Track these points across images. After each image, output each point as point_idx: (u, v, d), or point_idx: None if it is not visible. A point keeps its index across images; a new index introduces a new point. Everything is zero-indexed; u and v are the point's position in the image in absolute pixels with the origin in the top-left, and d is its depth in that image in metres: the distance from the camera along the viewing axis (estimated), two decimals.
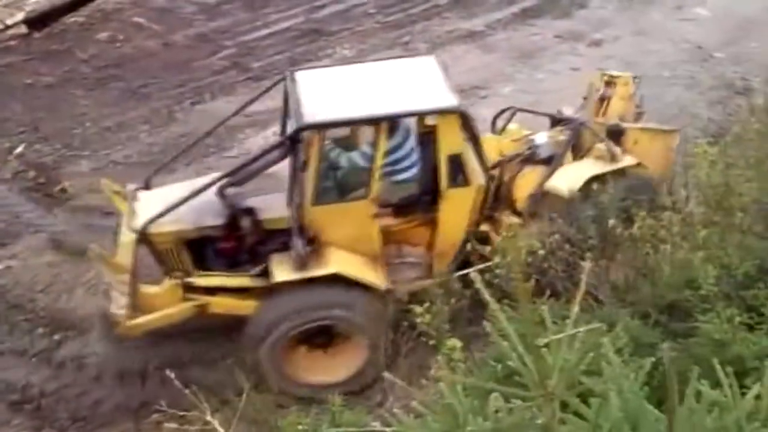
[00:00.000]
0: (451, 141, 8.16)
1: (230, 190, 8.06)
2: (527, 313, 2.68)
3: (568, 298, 6.29)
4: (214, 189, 7.98)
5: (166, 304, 8.10)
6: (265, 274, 8.06)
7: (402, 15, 17.12)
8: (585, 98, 10.24)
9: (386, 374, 4.32)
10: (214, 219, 8.14)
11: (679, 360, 5.09)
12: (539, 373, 2.67)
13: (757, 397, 3.09)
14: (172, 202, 7.89)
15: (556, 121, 9.81)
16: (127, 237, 8.07)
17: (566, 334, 2.69)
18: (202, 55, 15.81)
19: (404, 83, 8.49)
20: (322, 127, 7.84)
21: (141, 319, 7.92)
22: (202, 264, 8.33)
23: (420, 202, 8.64)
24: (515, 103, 12.06)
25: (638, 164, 8.84)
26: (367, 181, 8.05)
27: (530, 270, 7.13)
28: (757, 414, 3.10)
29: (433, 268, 8.61)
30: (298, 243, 7.81)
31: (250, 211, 8.20)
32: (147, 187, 8.73)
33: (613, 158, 8.75)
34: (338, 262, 7.96)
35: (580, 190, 8.36)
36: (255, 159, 8.15)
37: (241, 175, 8.08)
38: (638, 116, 9.84)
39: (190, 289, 8.18)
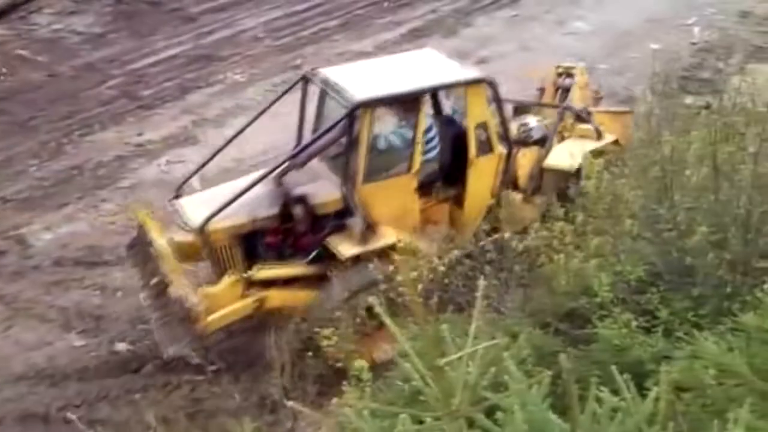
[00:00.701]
0: (479, 111, 8.85)
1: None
2: (426, 332, 2.69)
3: (471, 312, 6.33)
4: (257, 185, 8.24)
5: (227, 302, 8.06)
6: (319, 260, 8.39)
7: (292, 38, 17.14)
8: (540, 89, 11.15)
9: (291, 403, 4.26)
10: (267, 210, 8.36)
11: (582, 366, 5.20)
12: (443, 391, 2.68)
13: (656, 400, 3.15)
14: (225, 199, 8.04)
15: (518, 109, 10.54)
16: (175, 242, 8.41)
17: (465, 351, 2.70)
18: (90, 86, 15.48)
19: (425, 66, 9.16)
20: (374, 103, 8.31)
21: (216, 315, 7.89)
22: (252, 260, 8.44)
23: (442, 179, 9.23)
24: None
25: (615, 141, 9.91)
26: (409, 157, 8.58)
27: (432, 286, 7.19)
28: (656, 416, 3.16)
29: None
30: (358, 218, 8.29)
31: (301, 199, 8.42)
32: (177, 197, 8.86)
33: (599, 136, 9.90)
34: (394, 234, 8.37)
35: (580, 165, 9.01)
36: (313, 141, 8.53)
37: (300, 158, 8.54)
38: (597, 101, 11.16)
39: (249, 284, 8.21)
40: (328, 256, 8.38)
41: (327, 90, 8.86)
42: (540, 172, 9.67)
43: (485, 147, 9.04)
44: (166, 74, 15.88)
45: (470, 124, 8.84)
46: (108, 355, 8.98)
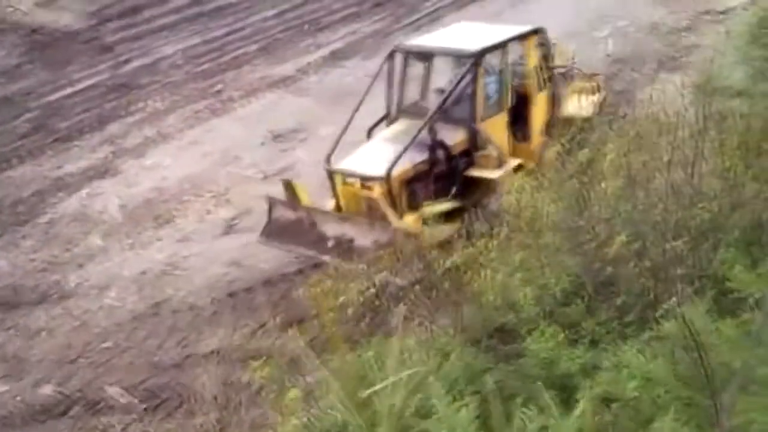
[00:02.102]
0: (534, 56, 10.99)
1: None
2: (349, 362, 2.67)
3: (404, 333, 6.34)
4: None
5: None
6: (463, 194, 9.89)
7: (211, 64, 17.02)
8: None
9: None
10: (421, 156, 9.85)
11: (512, 382, 5.23)
12: (367, 422, 2.66)
13: (581, 414, 3.19)
14: (399, 149, 9.54)
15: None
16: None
17: (387, 381, 2.69)
18: (6, 119, 15.15)
19: (485, 28, 11.56)
20: (488, 51, 10.34)
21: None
22: (411, 202, 9.77)
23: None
24: (331, 143, 12.24)
25: (605, 97, 12.26)
26: (502, 98, 10.63)
27: (362, 309, 7.17)
28: (583, 430, 3.20)
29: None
30: (491, 148, 10.23)
31: (441, 143, 9.96)
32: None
33: (598, 90, 12.12)
34: (515, 159, 10.45)
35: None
36: (448, 94, 10.09)
37: (446, 107, 10.05)
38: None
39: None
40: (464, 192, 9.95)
41: (429, 53, 10.90)
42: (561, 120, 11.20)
43: (541, 85, 11.16)
44: (84, 105, 15.61)
45: (530, 66, 10.97)
46: (33, 398, 8.71)
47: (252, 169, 13.12)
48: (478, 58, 10.07)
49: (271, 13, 19.20)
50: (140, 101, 15.71)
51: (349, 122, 10.44)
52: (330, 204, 10.24)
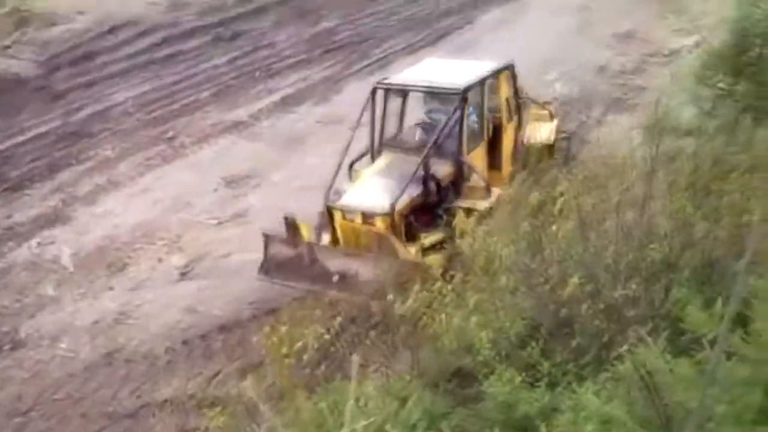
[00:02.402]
0: (505, 88, 11.69)
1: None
2: (303, 412, 2.64)
3: (361, 378, 6.30)
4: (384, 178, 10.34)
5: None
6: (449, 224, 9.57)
7: (163, 111, 16.95)
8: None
9: None
10: (416, 189, 10.19)
11: (472, 426, 5.21)
12: None
13: None
14: (397, 184, 9.96)
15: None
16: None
17: (344, 431, 2.66)
18: None
19: (461, 64, 12.30)
20: (473, 86, 10.82)
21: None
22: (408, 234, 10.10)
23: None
24: (285, 189, 12.32)
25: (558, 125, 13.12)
26: (481, 130, 11.22)
27: (319, 355, 7.15)
28: None
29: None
30: (477, 178, 10.84)
31: (432, 176, 10.31)
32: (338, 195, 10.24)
33: (552, 118, 13.01)
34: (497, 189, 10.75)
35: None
36: (442, 129, 10.47)
37: (439, 142, 10.42)
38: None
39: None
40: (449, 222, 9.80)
41: (413, 90, 11.39)
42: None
43: (510, 116, 11.89)
44: (35, 153, 15.41)
45: (502, 98, 11.57)
46: None
47: (204, 215, 13.03)
48: (465, 93, 10.53)
49: (222, 60, 19.21)
50: (91, 149, 15.56)
51: (340, 164, 10.66)
52: (325, 239, 10.35)
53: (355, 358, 2.97)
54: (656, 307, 5.56)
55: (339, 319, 7.64)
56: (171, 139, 15.72)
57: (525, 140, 12.31)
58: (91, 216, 13.30)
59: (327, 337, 7.35)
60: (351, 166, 11.07)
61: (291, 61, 19.35)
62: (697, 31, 19.84)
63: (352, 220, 10.00)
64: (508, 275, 6.16)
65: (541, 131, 12.59)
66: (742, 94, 11.46)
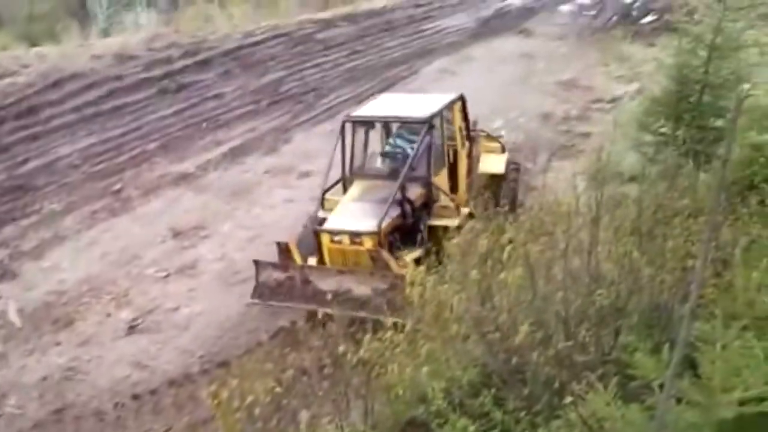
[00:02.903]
0: (459, 118, 12.61)
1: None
2: None
3: (314, 430, 6.25)
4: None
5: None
6: (423, 242, 11.04)
7: (110, 163, 16.82)
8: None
9: None
10: (395, 211, 10.85)
11: None
12: None
13: None
14: (378, 207, 10.73)
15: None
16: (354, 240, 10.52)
17: None
18: None
19: (422, 96, 13.93)
20: (436, 115, 11.67)
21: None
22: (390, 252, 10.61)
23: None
24: (234, 239, 12.26)
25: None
26: (443, 155, 12.12)
27: (270, 409, 7.04)
28: None
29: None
30: (445, 199, 11.73)
31: (408, 199, 11.01)
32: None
33: (503, 150, 13.97)
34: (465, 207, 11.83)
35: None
36: (414, 156, 11.18)
37: (412, 167, 11.13)
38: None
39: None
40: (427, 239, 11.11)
41: (382, 121, 12.27)
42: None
43: (463, 143, 12.73)
44: None
45: (456, 127, 12.48)
46: None
47: (152, 268, 12.89)
48: (431, 122, 11.39)
49: (168, 111, 19.16)
50: (37, 202, 15.35)
51: (324, 193, 11.65)
52: (312, 262, 10.82)
53: (305, 414, 2.94)
54: (606, 353, 5.61)
55: (290, 371, 7.55)
56: (118, 191, 15.59)
57: (478, 169, 13.24)
58: (37, 270, 13.09)
59: (278, 390, 7.25)
60: (323, 195, 11.65)
61: (238, 112, 19.41)
62: (638, 78, 20.34)
63: (339, 242, 10.58)
64: (459, 323, 6.17)
65: (492, 162, 13.51)
66: (683, 139, 11.74)
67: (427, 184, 11.50)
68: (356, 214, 10.79)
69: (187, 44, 22.28)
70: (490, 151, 13.83)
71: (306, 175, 16.02)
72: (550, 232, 6.59)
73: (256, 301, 10.55)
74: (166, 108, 19.28)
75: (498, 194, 12.87)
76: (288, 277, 10.36)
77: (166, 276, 12.67)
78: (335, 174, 11.83)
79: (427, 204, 11.49)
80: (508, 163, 13.75)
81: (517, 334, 5.51)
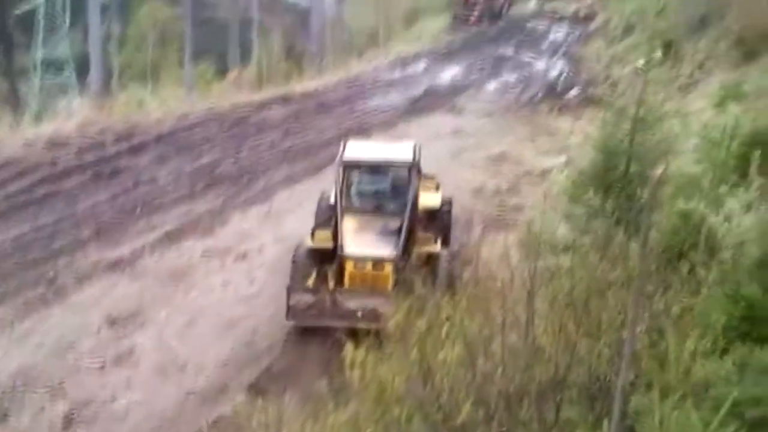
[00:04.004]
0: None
1: None
2: None
3: None
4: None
5: None
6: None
7: (43, 251, 16.50)
8: None
9: None
10: (402, 241, 13.08)
11: None
12: None
13: None
14: (393, 237, 13.19)
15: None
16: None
17: None
18: None
19: (387, 143, 17.56)
20: (418, 159, 14.22)
21: None
22: None
23: None
24: (172, 326, 12.13)
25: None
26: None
27: None
28: None
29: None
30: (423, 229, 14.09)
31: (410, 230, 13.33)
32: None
33: (437, 189, 15.79)
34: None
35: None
36: (407, 194, 13.53)
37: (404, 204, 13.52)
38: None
39: None
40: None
41: (366, 164, 14.50)
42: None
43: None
44: None
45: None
46: None
47: (88, 358, 12.62)
48: (415, 164, 13.89)
49: (103, 197, 18.96)
50: None
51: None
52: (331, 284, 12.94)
53: None
54: (548, 428, 5.65)
55: None
56: (52, 280, 15.28)
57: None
58: None
59: None
60: (313, 232, 13.51)
61: (173, 195, 19.28)
62: (566, 151, 20.85)
63: (363, 267, 12.75)
64: (401, 405, 6.16)
65: (429, 198, 15.13)
66: (612, 209, 12.02)
67: (412, 218, 13.44)
68: (371, 243, 13.00)
69: (121, 129, 22.28)
70: (428, 188, 15.42)
71: (243, 256, 15.95)
72: (487, 308, 6.65)
73: (292, 321, 12.58)
74: (100, 194, 19.08)
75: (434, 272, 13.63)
76: (318, 299, 12.40)
77: (103, 366, 12.42)
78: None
79: (412, 234, 13.43)
80: (443, 200, 15.51)
81: (460, 413, 5.53)
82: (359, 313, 11.87)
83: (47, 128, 22.26)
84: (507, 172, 21.21)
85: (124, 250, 16.47)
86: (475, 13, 46.30)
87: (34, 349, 13.05)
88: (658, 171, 12.45)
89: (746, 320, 6.58)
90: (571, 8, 51.33)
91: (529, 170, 21.35)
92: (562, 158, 20.54)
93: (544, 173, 20.78)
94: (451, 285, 12.34)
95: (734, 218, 9.60)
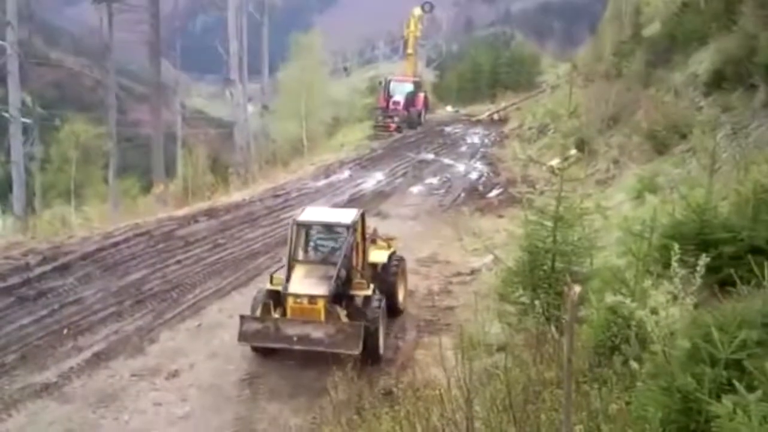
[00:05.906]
0: (360, 225, 17.22)
1: None
2: None
3: None
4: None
5: None
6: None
7: None
8: None
9: None
10: (335, 284, 15.80)
11: None
12: None
13: None
14: (329, 281, 15.64)
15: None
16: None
17: None
18: None
19: (337, 210, 22.07)
20: (356, 222, 16.88)
21: None
22: None
23: None
24: None
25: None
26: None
27: None
28: None
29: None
30: (361, 275, 16.91)
31: (338, 276, 15.96)
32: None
33: (389, 248, 18.72)
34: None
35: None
36: (345, 247, 16.32)
37: (346, 256, 16.25)
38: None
39: None
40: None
41: (313, 224, 17.21)
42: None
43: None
44: None
45: (359, 231, 17.09)
46: None
47: None
48: (354, 226, 16.62)
49: (27, 320, 18.48)
50: None
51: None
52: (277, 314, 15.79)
53: None
54: None
55: None
56: None
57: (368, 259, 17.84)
58: None
59: None
60: (271, 277, 16.34)
61: (101, 315, 18.89)
62: (492, 250, 21.19)
63: (300, 303, 15.48)
64: None
65: (377, 255, 18.18)
66: (542, 306, 12.21)
67: (349, 268, 16.31)
68: (309, 284, 15.64)
69: (45, 249, 21.92)
70: (380, 248, 18.56)
71: (175, 374, 15.65)
72: (426, 416, 6.66)
73: (242, 342, 15.54)
74: (24, 317, 18.58)
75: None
76: (264, 326, 15.34)
77: None
78: None
79: (350, 280, 16.26)
80: (392, 256, 18.31)
81: None
82: (295, 338, 14.88)
83: None
84: (437, 273, 21.45)
85: (51, 374, 16.01)
86: (395, 120, 47.51)
87: None
88: (583, 267, 12.78)
89: (683, 413, 6.67)
90: (486, 112, 53.12)
91: (459, 271, 21.64)
92: (489, 257, 20.85)
93: (474, 273, 21.07)
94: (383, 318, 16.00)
95: (661, 310, 9.82)
